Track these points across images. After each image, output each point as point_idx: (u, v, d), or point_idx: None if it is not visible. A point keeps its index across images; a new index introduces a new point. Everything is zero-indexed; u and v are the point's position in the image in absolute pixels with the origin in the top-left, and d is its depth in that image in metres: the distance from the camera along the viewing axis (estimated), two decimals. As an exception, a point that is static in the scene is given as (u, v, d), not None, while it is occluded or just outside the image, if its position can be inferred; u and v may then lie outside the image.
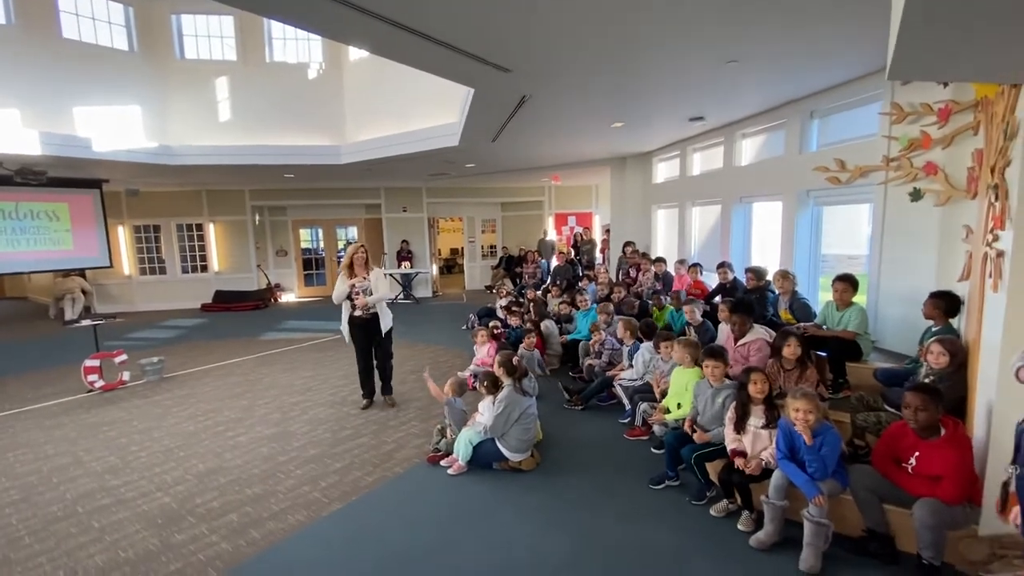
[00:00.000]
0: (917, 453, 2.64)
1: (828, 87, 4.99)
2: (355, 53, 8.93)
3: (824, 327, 4.30)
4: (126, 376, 6.20)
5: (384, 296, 4.92)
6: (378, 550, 2.93)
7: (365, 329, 4.96)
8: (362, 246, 4.89)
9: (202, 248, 12.69)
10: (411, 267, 13.23)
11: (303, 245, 14.11)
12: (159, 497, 3.55)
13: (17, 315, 12.48)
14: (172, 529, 3.17)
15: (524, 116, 5.65)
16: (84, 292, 11.25)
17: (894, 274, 4.44)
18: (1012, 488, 1.57)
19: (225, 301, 12.24)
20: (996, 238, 2.65)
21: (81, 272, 11.20)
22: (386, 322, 5.01)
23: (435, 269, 14.64)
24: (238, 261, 12.87)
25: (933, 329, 3.64)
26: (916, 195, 4.09)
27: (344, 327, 4.98)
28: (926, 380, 3.12)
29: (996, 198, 2.62)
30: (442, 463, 3.89)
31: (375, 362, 5.16)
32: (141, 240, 12.30)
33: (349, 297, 4.83)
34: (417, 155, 8.06)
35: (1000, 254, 2.54)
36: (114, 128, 7.92)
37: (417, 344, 7.94)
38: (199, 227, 12.59)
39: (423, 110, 7.59)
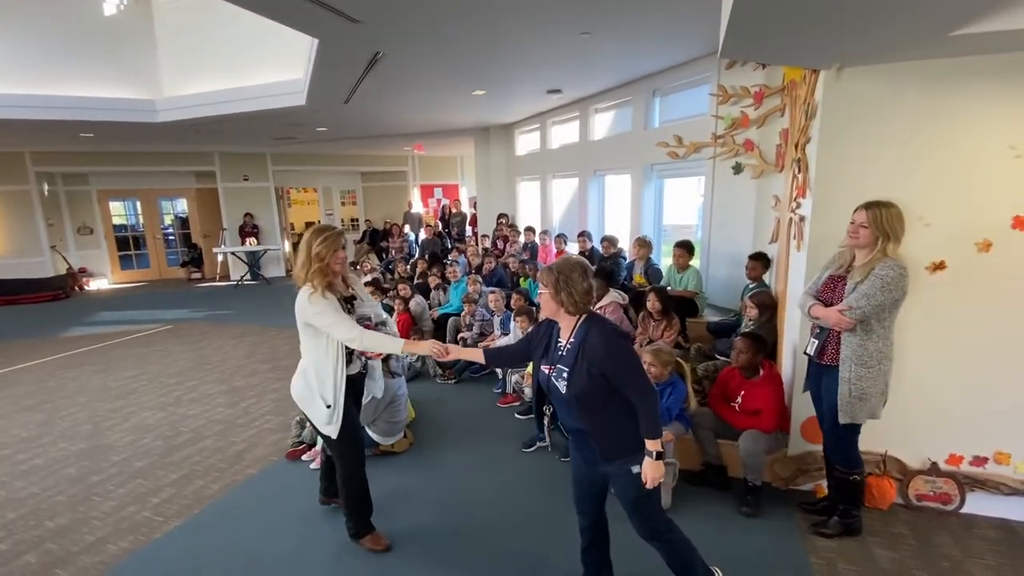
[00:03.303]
0: (743, 392, 3.06)
1: (669, 67, 5.41)
2: (167, -12, 7.45)
3: (669, 288, 4.78)
4: None
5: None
6: (228, 564, 2.58)
7: (356, 392, 2.71)
8: (329, 228, 2.55)
9: (-36, 227, 9.94)
10: (258, 243, 11.87)
11: (116, 221, 11.78)
12: (-91, 552, 2.73)
13: None
14: (-67, 590, 2.46)
15: (379, 76, 5.23)
16: None
17: (721, 239, 5.07)
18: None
19: (8, 292, 9.81)
20: (799, 205, 3.11)
21: None
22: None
23: (287, 245, 13.32)
24: (23, 242, 10.32)
25: (750, 286, 4.24)
26: (738, 169, 4.67)
27: (335, 409, 2.46)
28: (747, 329, 3.62)
29: (799, 171, 3.06)
30: (304, 457, 3.56)
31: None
32: None
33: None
34: (256, 115, 7.06)
35: (802, 219, 2.99)
36: None
37: (268, 329, 7.18)
38: (-44, 199, 9.82)
39: (263, 62, 6.61)
